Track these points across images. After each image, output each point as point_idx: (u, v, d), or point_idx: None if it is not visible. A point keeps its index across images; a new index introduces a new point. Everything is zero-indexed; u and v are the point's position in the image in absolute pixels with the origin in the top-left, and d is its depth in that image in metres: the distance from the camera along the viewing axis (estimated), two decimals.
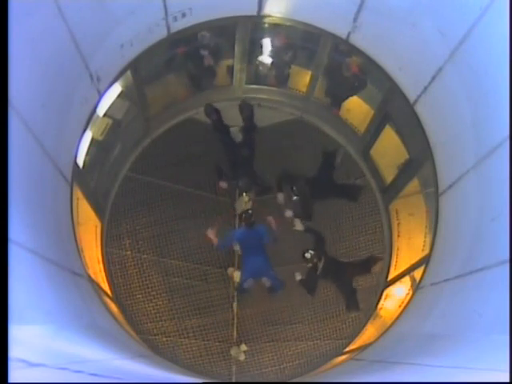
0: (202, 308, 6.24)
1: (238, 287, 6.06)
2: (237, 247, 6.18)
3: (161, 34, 4.86)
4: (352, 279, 6.04)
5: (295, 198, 6.13)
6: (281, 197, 6.32)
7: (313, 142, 6.73)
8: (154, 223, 6.36)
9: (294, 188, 6.09)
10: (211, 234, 5.69)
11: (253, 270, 5.79)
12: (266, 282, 5.95)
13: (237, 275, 6.17)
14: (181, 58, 6.19)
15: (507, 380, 2.01)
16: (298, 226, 6.16)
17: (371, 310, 6.17)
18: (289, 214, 6.26)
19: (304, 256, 5.77)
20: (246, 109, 6.33)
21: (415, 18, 4.00)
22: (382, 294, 6.15)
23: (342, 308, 6.28)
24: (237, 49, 5.96)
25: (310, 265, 5.80)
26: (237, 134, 6.45)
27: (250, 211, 5.81)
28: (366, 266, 6.16)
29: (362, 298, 6.27)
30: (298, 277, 6.00)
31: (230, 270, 6.27)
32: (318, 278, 5.94)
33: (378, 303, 6.16)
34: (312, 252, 5.76)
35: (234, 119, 6.57)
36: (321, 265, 5.80)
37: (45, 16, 3.13)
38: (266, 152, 6.66)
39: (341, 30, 4.94)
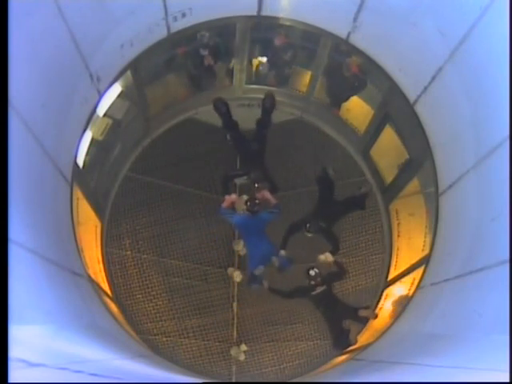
0: (202, 308, 6.24)
1: (250, 277, 5.91)
2: (238, 247, 6.17)
3: (161, 33, 4.86)
4: (342, 320, 5.81)
5: (309, 235, 6.00)
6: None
7: (313, 142, 6.73)
8: (154, 223, 6.36)
9: (308, 225, 5.93)
10: (229, 199, 5.68)
11: (260, 255, 5.72)
12: (276, 261, 5.84)
13: (237, 275, 6.17)
14: (181, 58, 6.19)
15: (507, 380, 2.01)
16: (329, 257, 6.03)
17: (371, 310, 6.16)
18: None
19: (308, 272, 5.67)
20: (268, 101, 6.16)
21: (415, 18, 4.00)
22: (382, 294, 6.15)
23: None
24: (237, 49, 5.96)
25: (313, 282, 5.68)
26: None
27: (256, 201, 5.62)
28: (355, 313, 5.92)
29: (361, 298, 6.27)
30: (266, 285, 5.84)
31: (230, 269, 6.26)
32: (308, 298, 5.83)
33: (378, 303, 6.15)
34: (317, 271, 5.68)
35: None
36: (320, 290, 5.70)
37: (45, 16, 3.13)
38: (266, 152, 6.66)
39: (341, 30, 4.94)
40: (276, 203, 5.74)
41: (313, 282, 5.64)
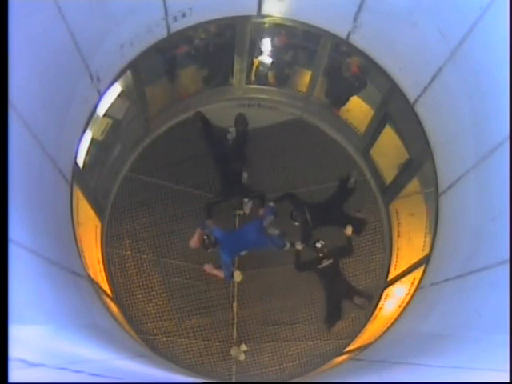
0: (202, 308, 6.24)
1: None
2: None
3: (161, 33, 4.85)
4: (342, 297, 6.00)
5: (295, 223, 6.05)
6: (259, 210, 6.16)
7: (313, 142, 6.73)
8: (154, 223, 6.36)
9: (294, 213, 6.00)
10: (209, 269, 5.85)
11: (259, 240, 5.72)
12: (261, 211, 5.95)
13: (237, 275, 6.17)
14: (181, 58, 6.19)
15: (507, 380, 2.01)
16: (349, 231, 6.06)
17: (371, 310, 6.17)
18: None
19: (315, 245, 5.79)
20: (241, 121, 6.34)
21: (415, 18, 4.00)
22: (381, 294, 6.15)
23: (342, 308, 6.28)
24: (237, 49, 5.96)
25: (321, 255, 5.79)
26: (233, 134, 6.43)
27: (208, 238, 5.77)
28: (353, 294, 6.09)
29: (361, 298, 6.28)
30: (299, 246, 5.91)
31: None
32: (315, 271, 5.93)
33: (378, 303, 6.16)
34: (323, 243, 5.77)
35: (232, 120, 6.57)
36: (327, 262, 5.81)
37: (45, 16, 3.13)
38: (266, 152, 6.67)
39: (341, 30, 4.93)
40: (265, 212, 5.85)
41: (321, 254, 5.79)
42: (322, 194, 6.37)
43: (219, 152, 6.31)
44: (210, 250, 5.82)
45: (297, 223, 6.01)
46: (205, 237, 5.78)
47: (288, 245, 5.90)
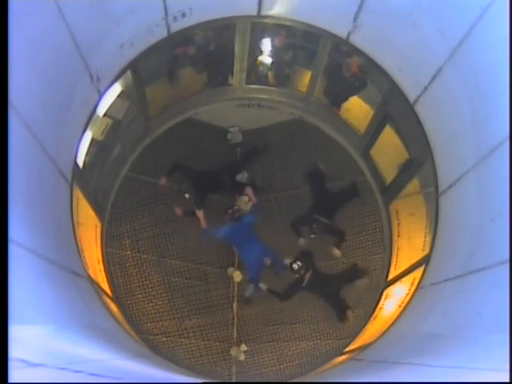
0: (202, 308, 6.24)
1: (249, 283, 6.05)
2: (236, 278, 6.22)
3: (161, 33, 4.85)
4: (339, 291, 6.06)
5: (313, 235, 6.20)
6: (302, 241, 6.31)
7: (313, 142, 6.73)
8: (154, 223, 6.36)
9: (315, 226, 6.12)
10: (201, 218, 5.92)
11: (254, 258, 5.79)
12: (267, 261, 5.95)
13: (237, 275, 6.17)
14: (181, 58, 6.19)
15: (507, 380, 2.01)
16: (336, 252, 6.22)
17: (371, 310, 6.17)
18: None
19: (291, 267, 5.78)
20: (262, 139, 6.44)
21: (415, 18, 4.00)
22: (382, 294, 6.15)
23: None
24: (237, 49, 5.95)
25: (297, 276, 5.80)
26: (237, 135, 6.44)
27: (235, 207, 5.85)
28: (351, 277, 6.17)
29: (361, 298, 6.28)
30: (264, 287, 5.97)
31: (230, 269, 6.26)
32: (303, 290, 5.93)
33: (378, 303, 6.16)
34: (299, 263, 5.77)
35: (232, 120, 6.57)
36: (307, 276, 5.80)
37: (45, 16, 3.12)
38: (266, 152, 6.66)
39: (341, 30, 4.93)
40: (255, 203, 5.96)
41: (302, 272, 5.78)
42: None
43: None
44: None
45: (316, 235, 6.21)
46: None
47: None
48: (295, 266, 5.76)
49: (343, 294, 6.09)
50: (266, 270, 6.00)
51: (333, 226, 6.25)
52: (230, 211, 5.79)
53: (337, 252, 6.26)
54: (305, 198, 6.42)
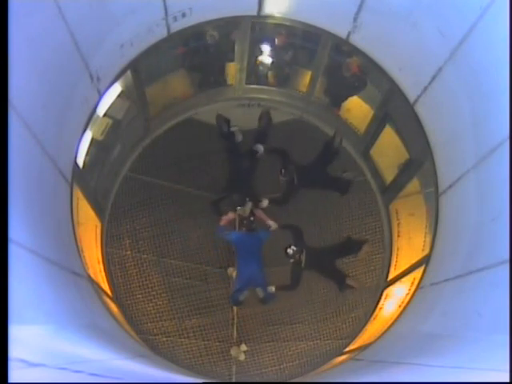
0: (202, 308, 6.24)
1: (232, 298, 5.94)
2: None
3: (161, 33, 4.85)
4: (334, 262, 6.12)
5: (282, 179, 6.12)
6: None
7: (313, 142, 6.73)
8: (154, 223, 6.36)
9: (283, 170, 6.06)
10: (227, 218, 5.88)
11: (248, 278, 5.70)
12: (260, 292, 5.90)
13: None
14: (181, 58, 6.19)
15: (507, 380, 2.01)
16: (273, 225, 6.08)
17: (371, 310, 6.17)
18: (265, 203, 6.21)
19: (286, 252, 5.80)
20: (265, 119, 6.35)
21: (415, 18, 4.00)
22: (381, 294, 6.15)
23: (342, 308, 6.29)
24: (237, 49, 5.96)
25: (293, 260, 5.83)
26: (237, 135, 6.43)
27: (252, 218, 5.83)
28: (347, 247, 6.22)
29: (361, 298, 6.29)
30: (273, 289, 5.94)
31: (230, 269, 6.26)
32: (303, 271, 5.95)
33: (378, 303, 6.16)
34: (294, 248, 5.79)
35: (232, 120, 6.56)
36: (303, 257, 5.83)
37: (45, 16, 3.12)
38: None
39: (341, 30, 4.93)
40: (270, 222, 5.93)
41: (297, 256, 5.80)
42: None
43: (235, 149, 6.32)
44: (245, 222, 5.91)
45: (284, 178, 6.10)
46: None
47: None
48: (290, 251, 5.78)
49: (343, 266, 6.19)
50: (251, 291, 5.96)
51: (292, 188, 6.16)
52: (251, 219, 5.81)
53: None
54: (305, 199, 6.41)
